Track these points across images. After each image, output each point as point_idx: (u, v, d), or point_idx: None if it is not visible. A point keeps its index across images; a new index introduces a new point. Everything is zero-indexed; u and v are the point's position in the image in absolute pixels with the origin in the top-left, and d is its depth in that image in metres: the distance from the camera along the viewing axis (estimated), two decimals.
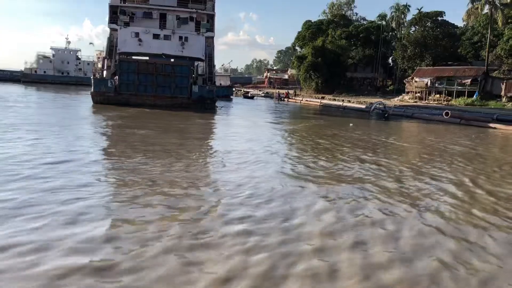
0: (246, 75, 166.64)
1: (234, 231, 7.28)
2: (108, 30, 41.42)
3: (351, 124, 29.27)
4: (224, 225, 7.59)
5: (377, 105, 41.20)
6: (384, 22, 77.05)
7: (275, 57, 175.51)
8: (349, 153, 16.60)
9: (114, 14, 39.65)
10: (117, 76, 36.80)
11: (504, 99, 48.23)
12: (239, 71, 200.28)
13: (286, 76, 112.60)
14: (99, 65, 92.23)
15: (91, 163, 12.17)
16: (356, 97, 62.82)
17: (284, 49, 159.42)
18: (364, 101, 54.26)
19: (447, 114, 36.02)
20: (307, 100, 63.66)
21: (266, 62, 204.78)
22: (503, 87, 49.07)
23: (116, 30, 39.62)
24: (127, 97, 36.02)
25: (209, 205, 8.83)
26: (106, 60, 42.08)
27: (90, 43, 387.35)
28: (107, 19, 40.57)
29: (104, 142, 17.53)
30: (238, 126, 26.58)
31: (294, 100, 66.55)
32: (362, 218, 8.41)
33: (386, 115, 37.57)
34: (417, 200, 10.07)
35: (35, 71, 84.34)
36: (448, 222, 8.46)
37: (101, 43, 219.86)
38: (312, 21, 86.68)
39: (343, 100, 57.56)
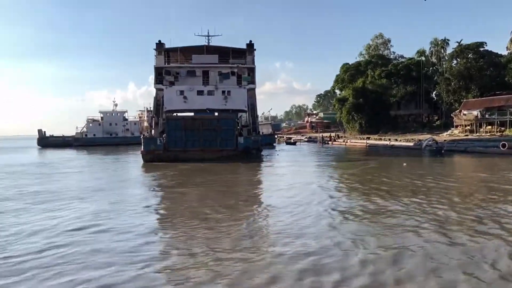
0: (283, 123, 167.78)
1: None
2: (153, 90, 43.08)
3: (404, 164, 28.39)
4: None
5: (429, 142, 40.06)
6: (423, 58, 76.38)
7: (315, 101, 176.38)
8: (413, 200, 15.87)
9: (160, 75, 41.38)
10: (165, 134, 37.82)
11: None
12: (278, 118, 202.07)
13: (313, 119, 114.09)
14: (145, 124, 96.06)
15: (148, 232, 12.17)
16: (403, 135, 61.45)
17: (323, 92, 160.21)
18: (412, 139, 52.96)
19: (504, 145, 34.48)
20: (352, 142, 62.92)
21: (305, 107, 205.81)
22: None
23: (162, 89, 41.14)
24: (176, 153, 36.77)
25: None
26: (153, 118, 43.48)
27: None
28: (151, 80, 42.40)
29: (157, 207, 17.54)
30: (287, 175, 26.21)
31: (338, 143, 65.94)
32: None
33: (441, 151, 36.39)
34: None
35: (86, 135, 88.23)
36: None
37: (144, 103, 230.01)
38: (350, 63, 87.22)
39: (389, 139, 56.46)
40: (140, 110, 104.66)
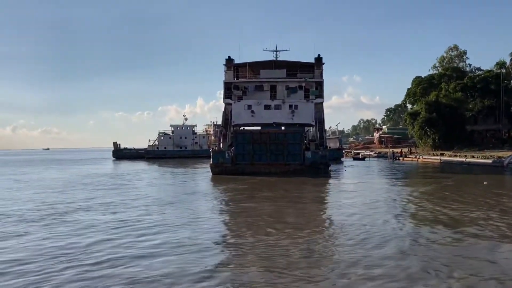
0: (350, 137, 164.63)
1: None
2: (221, 104, 43.94)
3: (485, 182, 26.45)
4: None
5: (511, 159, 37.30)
6: (503, 70, 71.64)
7: (384, 115, 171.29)
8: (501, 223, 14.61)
9: (228, 89, 42.13)
10: (233, 148, 38.26)
11: None
12: (345, 132, 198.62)
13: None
14: (213, 138, 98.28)
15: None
16: (480, 151, 57.58)
17: (393, 107, 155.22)
18: (490, 155, 49.49)
19: None
20: (424, 158, 60.14)
21: (373, 121, 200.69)
22: None
23: (230, 104, 41.83)
24: (243, 167, 37.05)
25: None
26: (221, 132, 44.23)
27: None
28: (218, 94, 43.35)
29: (227, 219, 17.65)
30: (356, 192, 25.30)
31: (410, 159, 63.29)
32: None
33: None
34: None
35: (157, 148, 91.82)
36: None
37: (210, 117, 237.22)
38: (422, 76, 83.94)
39: (465, 156, 53.18)
40: (206, 124, 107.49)
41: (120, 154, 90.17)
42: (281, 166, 36.89)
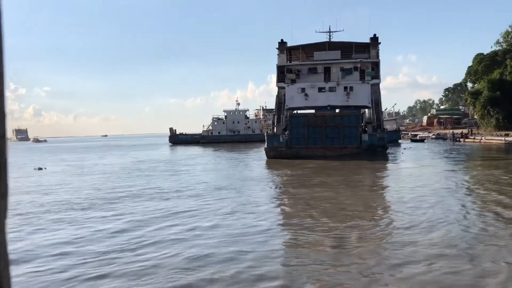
0: (406, 119, 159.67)
1: None
2: (272, 89, 43.86)
3: None
4: None
5: None
6: None
7: (442, 95, 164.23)
8: None
9: (282, 73, 41.84)
10: (287, 131, 38.15)
11: None
12: (401, 113, 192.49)
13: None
14: (264, 122, 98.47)
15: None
16: None
17: (451, 86, 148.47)
18: None
19: None
20: (487, 139, 57.23)
21: (431, 102, 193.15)
22: None
23: (284, 87, 41.59)
24: (298, 150, 36.95)
25: None
26: (275, 116, 44.19)
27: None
28: (269, 79, 43.32)
29: (275, 209, 17.66)
30: (417, 177, 24.49)
31: (472, 140, 60.47)
32: None
33: None
34: None
35: (211, 133, 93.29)
36: None
37: (260, 101, 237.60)
38: (484, 53, 79.43)
39: None
40: (256, 109, 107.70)
41: (177, 139, 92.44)
42: (337, 149, 36.42)
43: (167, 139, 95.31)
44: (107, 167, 36.29)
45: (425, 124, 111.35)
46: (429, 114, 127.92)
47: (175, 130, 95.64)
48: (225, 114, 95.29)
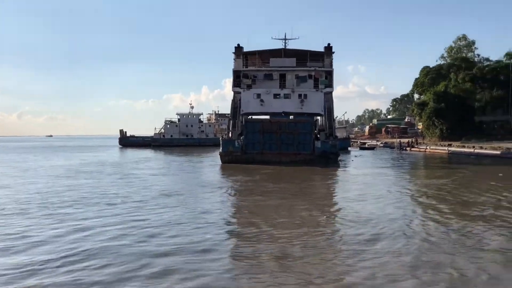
0: (355, 127, 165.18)
1: None
2: (226, 93, 43.87)
3: (500, 174, 26.34)
4: None
5: None
6: None
7: (390, 105, 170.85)
8: None
9: (238, 78, 41.81)
10: (243, 136, 38.18)
11: None
12: (350, 122, 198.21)
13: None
14: (217, 126, 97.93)
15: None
16: (488, 142, 57.22)
17: (399, 97, 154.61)
18: (499, 147, 49.22)
19: None
20: (432, 149, 59.92)
21: (379, 111, 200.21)
22: None
23: (239, 92, 41.60)
24: (253, 156, 37.07)
25: None
26: (230, 121, 44.09)
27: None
28: (223, 83, 43.14)
29: (234, 213, 17.55)
30: (368, 183, 25.11)
31: (417, 149, 63.11)
32: None
33: None
34: None
35: (163, 136, 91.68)
36: None
37: (213, 106, 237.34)
38: (430, 66, 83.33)
39: (473, 147, 52.93)
40: (209, 113, 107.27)
41: (127, 141, 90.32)
42: (291, 155, 36.88)
43: (117, 141, 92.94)
44: (49, 170, 34.77)
45: (367, 133, 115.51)
46: (370, 124, 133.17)
47: (126, 132, 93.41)
48: (178, 117, 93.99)
